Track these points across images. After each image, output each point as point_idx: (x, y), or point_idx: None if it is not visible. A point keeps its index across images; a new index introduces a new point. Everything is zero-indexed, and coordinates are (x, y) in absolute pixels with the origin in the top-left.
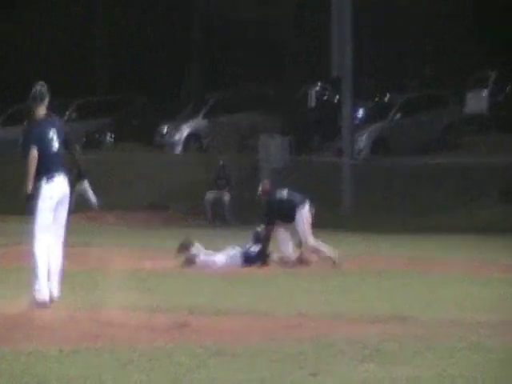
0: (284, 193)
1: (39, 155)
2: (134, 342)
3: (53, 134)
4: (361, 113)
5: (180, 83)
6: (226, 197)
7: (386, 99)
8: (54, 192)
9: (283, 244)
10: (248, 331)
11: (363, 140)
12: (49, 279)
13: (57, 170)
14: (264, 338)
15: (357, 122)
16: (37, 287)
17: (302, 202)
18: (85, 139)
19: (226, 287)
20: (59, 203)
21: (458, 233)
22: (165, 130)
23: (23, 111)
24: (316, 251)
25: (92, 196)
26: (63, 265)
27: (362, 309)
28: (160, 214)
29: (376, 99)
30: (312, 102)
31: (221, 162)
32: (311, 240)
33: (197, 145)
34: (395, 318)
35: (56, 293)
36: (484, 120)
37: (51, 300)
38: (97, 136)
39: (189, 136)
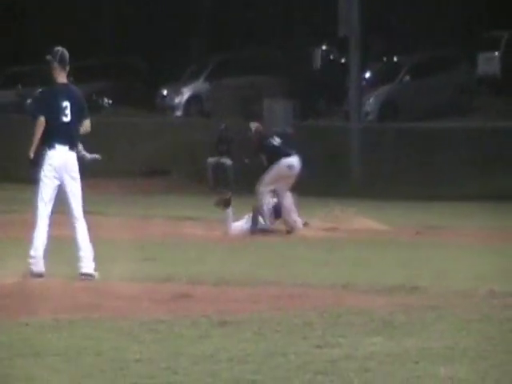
0: (277, 140)
1: (47, 123)
2: (134, 312)
3: (67, 104)
4: (368, 74)
5: (182, 44)
6: (228, 162)
7: (395, 60)
8: (54, 160)
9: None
10: (252, 301)
11: (370, 103)
12: (79, 255)
13: (60, 140)
14: (268, 308)
15: (364, 84)
16: (32, 256)
17: (288, 154)
18: None
19: (227, 255)
20: (64, 173)
21: (471, 200)
22: (165, 93)
23: (19, 74)
24: (259, 201)
25: (88, 154)
26: (88, 238)
27: (370, 279)
28: (161, 181)
29: (384, 60)
30: (317, 64)
31: (222, 126)
32: (263, 188)
33: (198, 108)
34: (405, 288)
35: (88, 269)
36: (496, 82)
37: (87, 275)
38: (94, 99)
39: (190, 99)
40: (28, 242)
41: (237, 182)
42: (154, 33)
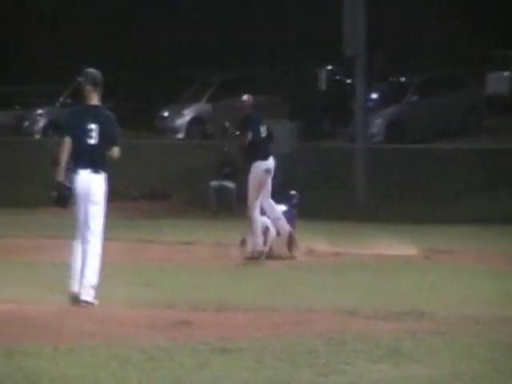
0: (264, 132)
1: (73, 144)
2: (133, 339)
3: (93, 127)
4: (375, 95)
5: (181, 63)
6: (231, 186)
7: (402, 80)
8: (78, 185)
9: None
10: (253, 327)
11: (377, 124)
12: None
13: (83, 164)
14: (270, 335)
15: (370, 104)
16: (72, 277)
17: (266, 156)
18: None
19: (228, 281)
20: (85, 197)
21: (481, 222)
22: (166, 114)
23: (15, 94)
24: (250, 225)
25: None
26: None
27: (376, 304)
28: (162, 204)
29: (391, 80)
30: (322, 85)
31: (225, 148)
32: (253, 209)
33: (200, 130)
34: (411, 314)
35: (87, 297)
36: (506, 102)
37: (86, 302)
38: None
39: (191, 121)
40: (31, 266)
41: (239, 206)
42: (153, 53)
